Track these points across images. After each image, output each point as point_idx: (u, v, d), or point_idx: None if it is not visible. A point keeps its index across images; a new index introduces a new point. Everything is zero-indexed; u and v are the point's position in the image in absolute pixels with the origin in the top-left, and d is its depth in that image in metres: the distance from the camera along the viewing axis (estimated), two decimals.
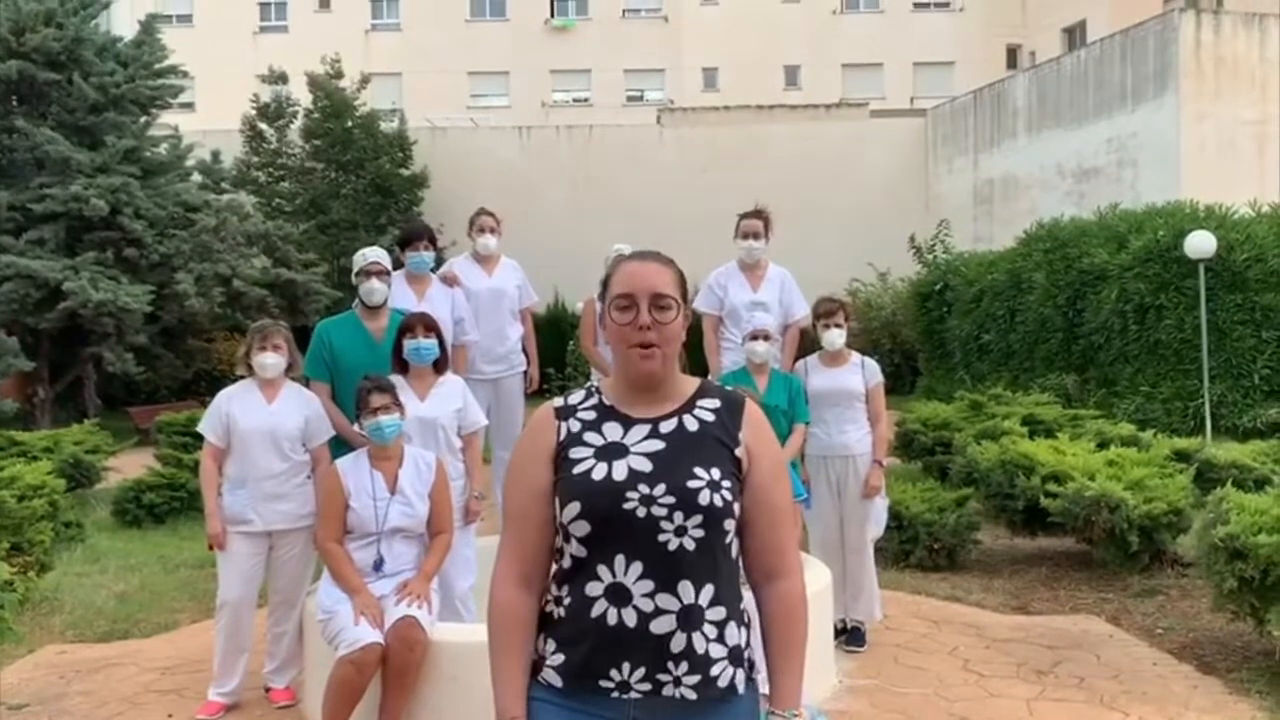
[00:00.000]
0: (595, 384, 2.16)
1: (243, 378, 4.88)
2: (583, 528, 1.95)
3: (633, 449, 2.00)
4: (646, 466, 1.96)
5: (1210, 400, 12.59)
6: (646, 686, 1.92)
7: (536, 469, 2.04)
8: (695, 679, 1.93)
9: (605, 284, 2.09)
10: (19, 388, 17.71)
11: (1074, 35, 30.43)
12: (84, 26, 17.66)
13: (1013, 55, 32.83)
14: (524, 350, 6.13)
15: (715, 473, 1.97)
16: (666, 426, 2.03)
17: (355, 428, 4.57)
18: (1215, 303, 13.12)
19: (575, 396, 2.14)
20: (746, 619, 2.05)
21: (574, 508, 1.95)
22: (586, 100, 33.05)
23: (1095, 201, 18.58)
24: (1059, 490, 6.71)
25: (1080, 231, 15.88)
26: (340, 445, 4.85)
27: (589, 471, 1.97)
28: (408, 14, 33.40)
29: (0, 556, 6.33)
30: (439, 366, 4.77)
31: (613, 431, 2.03)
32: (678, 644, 1.92)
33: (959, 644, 5.52)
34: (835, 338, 5.43)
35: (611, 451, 2.00)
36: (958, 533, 7.21)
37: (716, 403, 2.08)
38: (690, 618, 1.93)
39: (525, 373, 6.21)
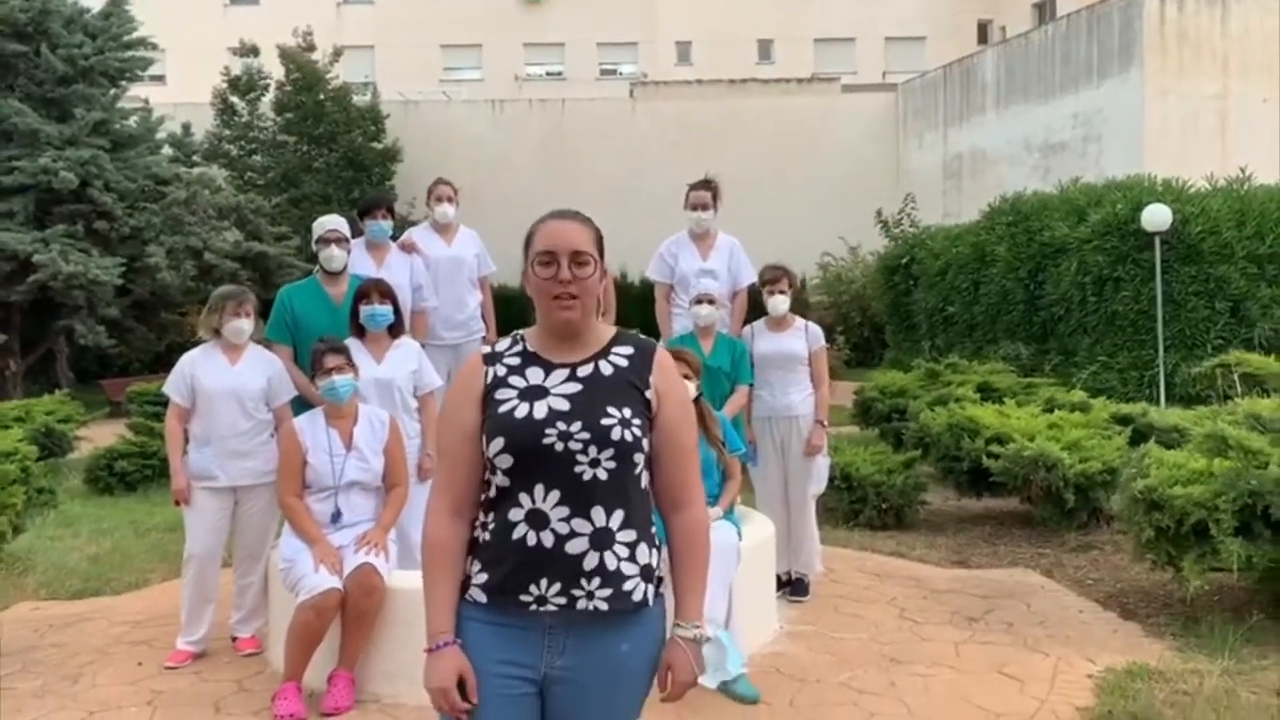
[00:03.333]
0: (520, 333, 2.36)
1: (204, 341, 5.06)
2: (506, 460, 2.16)
3: (553, 390, 2.22)
4: (565, 406, 2.19)
5: (1165, 369, 12.92)
6: (561, 600, 2.15)
7: (466, 410, 2.26)
8: (607, 592, 2.16)
9: (528, 242, 2.30)
10: None
11: (1043, 10, 30.66)
12: None
13: (983, 30, 33.03)
14: (483, 318, 6.33)
15: (626, 412, 2.19)
16: (584, 371, 2.25)
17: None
18: (1171, 275, 13.42)
19: (502, 344, 2.35)
20: (657, 542, 2.28)
21: (499, 443, 2.17)
22: (560, 74, 33.03)
23: (1061, 176, 18.78)
24: (1000, 451, 6.99)
25: (1042, 205, 16.11)
26: (302, 405, 5.04)
27: (512, 411, 2.19)
28: None
29: None
30: (394, 331, 4.98)
31: (535, 375, 2.25)
32: (590, 562, 2.15)
33: (897, 594, 5.80)
34: (779, 303, 5.66)
35: (533, 393, 2.21)
36: (905, 494, 7.49)
37: (630, 350, 2.30)
38: (602, 539, 2.16)
39: (484, 339, 6.40)
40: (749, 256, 6.18)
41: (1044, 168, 21.87)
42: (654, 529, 2.28)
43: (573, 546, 2.15)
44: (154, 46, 19.78)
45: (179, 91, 26.58)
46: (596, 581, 2.15)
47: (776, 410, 5.69)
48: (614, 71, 33.08)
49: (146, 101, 21.08)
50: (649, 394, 2.25)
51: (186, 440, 5.02)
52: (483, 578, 2.19)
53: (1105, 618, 5.39)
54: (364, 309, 4.88)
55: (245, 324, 4.91)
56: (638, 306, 9.13)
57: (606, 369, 2.26)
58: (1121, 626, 5.24)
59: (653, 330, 6.33)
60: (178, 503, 5.01)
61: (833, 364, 16.04)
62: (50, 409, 11.45)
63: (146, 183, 17.85)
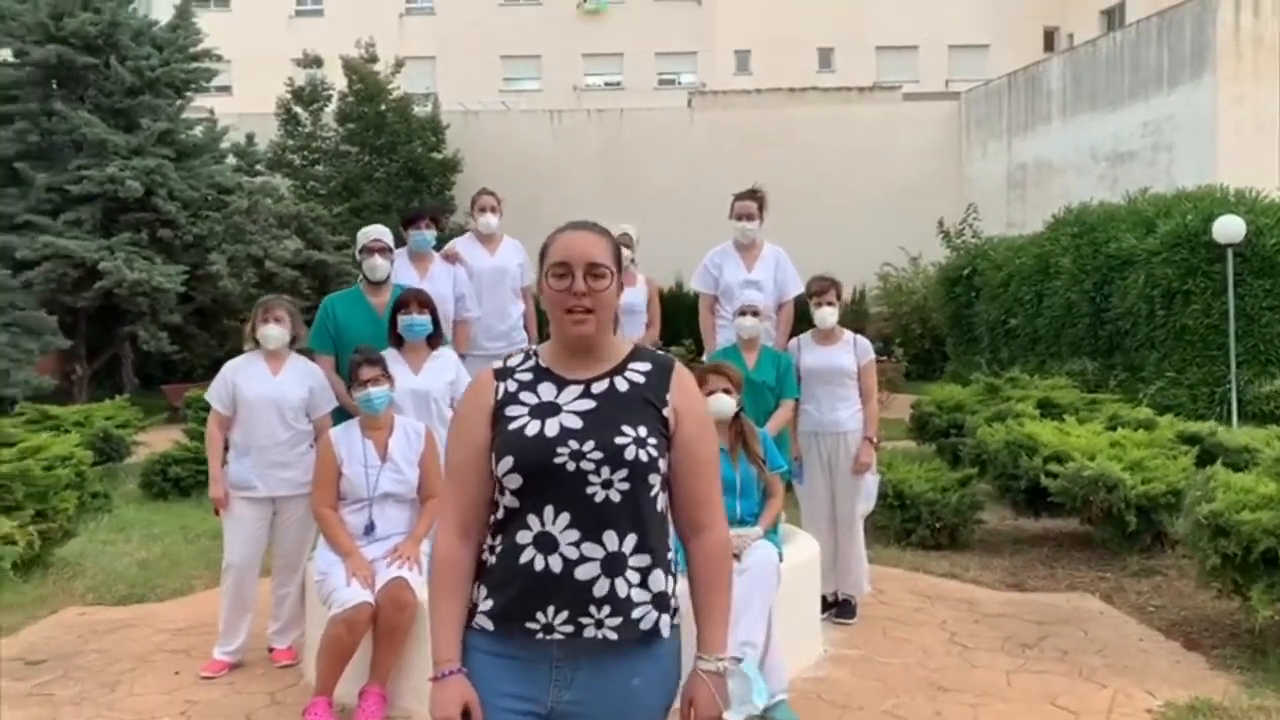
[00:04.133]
0: (534, 348, 2.27)
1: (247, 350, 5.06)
2: (515, 480, 2.07)
3: (565, 407, 2.11)
4: (577, 424, 2.08)
5: (1237, 386, 12.49)
6: (569, 629, 2.03)
7: (475, 426, 2.16)
8: (617, 621, 2.04)
9: (543, 253, 2.21)
10: (58, 365, 18.15)
11: (1113, 17, 30.00)
12: (120, 11, 17.98)
13: (1050, 37, 32.42)
14: (525, 328, 6.27)
15: (642, 430, 2.08)
16: (598, 387, 2.14)
17: None
18: (1243, 288, 12.99)
19: (514, 359, 2.26)
20: (674, 568, 2.17)
21: (508, 462, 2.07)
22: (618, 84, 33.07)
23: (1129, 186, 18.36)
24: (1059, 470, 6.75)
25: (1108, 216, 15.73)
26: (344, 416, 5.01)
27: (523, 428, 2.09)
28: None
29: (25, 522, 6.61)
30: (433, 341, 4.93)
31: (547, 391, 2.15)
32: (600, 589, 2.03)
33: (948, 618, 5.61)
34: (827, 315, 5.50)
35: (545, 410, 2.11)
36: (960, 512, 7.27)
37: (647, 365, 2.19)
38: (614, 564, 2.04)
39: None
40: (806, 267, 5.98)
41: (1111, 177, 21.37)
42: (671, 555, 2.16)
43: (582, 572, 2.04)
44: (219, 58, 20.17)
45: (245, 102, 27.05)
46: (606, 610, 2.04)
47: (824, 426, 5.54)
48: (672, 81, 33.04)
49: (212, 112, 21.50)
50: (666, 412, 2.14)
51: (227, 448, 5.01)
52: (489, 604, 2.09)
53: (1167, 648, 5.15)
54: (402, 319, 4.83)
55: (274, 330, 4.89)
56: (692, 317, 9.01)
57: (622, 385, 2.15)
58: (1185, 658, 5.00)
59: (702, 343, 6.22)
60: (217, 512, 5.01)
61: (891, 376, 15.89)
62: (110, 414, 11.66)
63: (209, 191, 18.16)
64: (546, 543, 2.05)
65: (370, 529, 4.40)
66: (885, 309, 23.68)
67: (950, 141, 26.69)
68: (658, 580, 2.09)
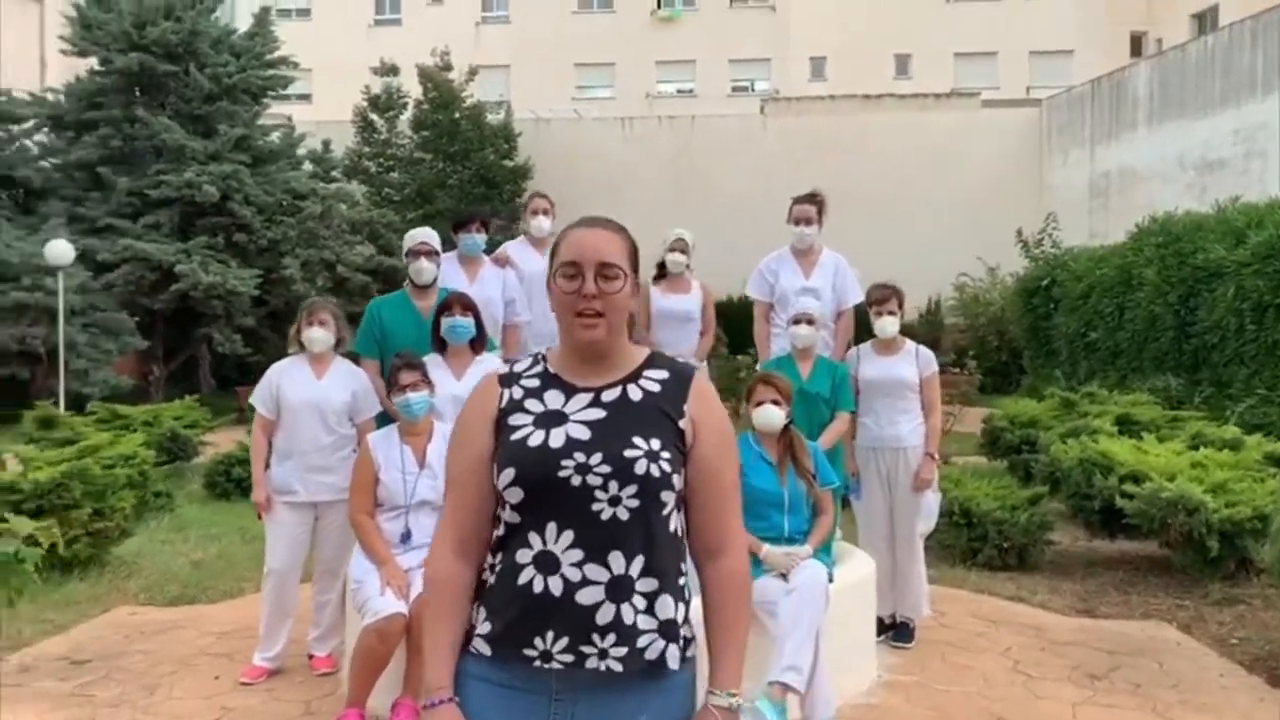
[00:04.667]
0: (543, 351, 2.12)
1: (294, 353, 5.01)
2: (516, 494, 1.92)
3: (572, 417, 1.96)
4: (584, 435, 1.93)
5: None
6: (569, 658, 1.87)
7: (477, 435, 2.02)
8: (622, 651, 1.87)
9: (553, 252, 2.06)
10: (137, 366, 18.59)
11: (1204, 20, 29.01)
12: (201, 19, 18.39)
13: (1137, 43, 31.47)
14: None
15: (655, 443, 1.92)
16: (609, 396, 1.99)
17: None
18: None
19: (521, 364, 2.11)
20: (687, 594, 2.00)
21: (509, 474, 1.92)
22: (691, 91, 32.93)
23: (1218, 195, 17.66)
24: (1136, 491, 6.41)
25: (1195, 226, 15.12)
26: (389, 421, 4.92)
27: (525, 438, 1.94)
28: (516, 6, 33.79)
29: (83, 521, 6.68)
30: (476, 346, 4.81)
31: (554, 399, 2.00)
32: (604, 615, 1.87)
33: (1013, 644, 5.33)
34: (888, 325, 5.28)
35: (550, 419, 1.96)
36: (1029, 532, 6.95)
37: (664, 374, 2.03)
38: (619, 589, 1.88)
39: None
40: (880, 277, 5.71)
41: (1200, 186, 20.62)
42: (683, 581, 1.99)
43: (585, 596, 1.87)
44: (295, 65, 20.52)
45: (325, 110, 27.53)
46: (611, 638, 1.87)
47: (883, 440, 5.31)
48: (746, 88, 32.81)
49: (290, 119, 21.88)
50: (683, 424, 1.97)
51: (271, 452, 4.97)
52: (486, 627, 1.94)
53: (1250, 683, 4.81)
54: (445, 321, 4.73)
55: (319, 333, 4.83)
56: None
57: (635, 394, 1.99)
58: (1269, 695, 4.66)
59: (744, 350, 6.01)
60: (259, 516, 4.96)
61: (965, 390, 15.45)
62: (178, 414, 11.84)
63: (284, 197, 18.48)
64: (547, 563, 1.89)
65: (407, 537, 4.30)
66: (961, 320, 23.16)
67: (1030, 149, 26.04)
68: (666, 606, 1.92)
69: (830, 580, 4.19)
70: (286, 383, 4.89)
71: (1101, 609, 6.07)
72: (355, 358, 5.18)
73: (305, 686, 4.76)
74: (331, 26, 32.88)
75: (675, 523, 1.96)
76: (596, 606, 1.87)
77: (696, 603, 2.01)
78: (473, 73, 24.84)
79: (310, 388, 4.87)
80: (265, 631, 4.91)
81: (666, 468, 1.91)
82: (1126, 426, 9.11)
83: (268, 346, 19.16)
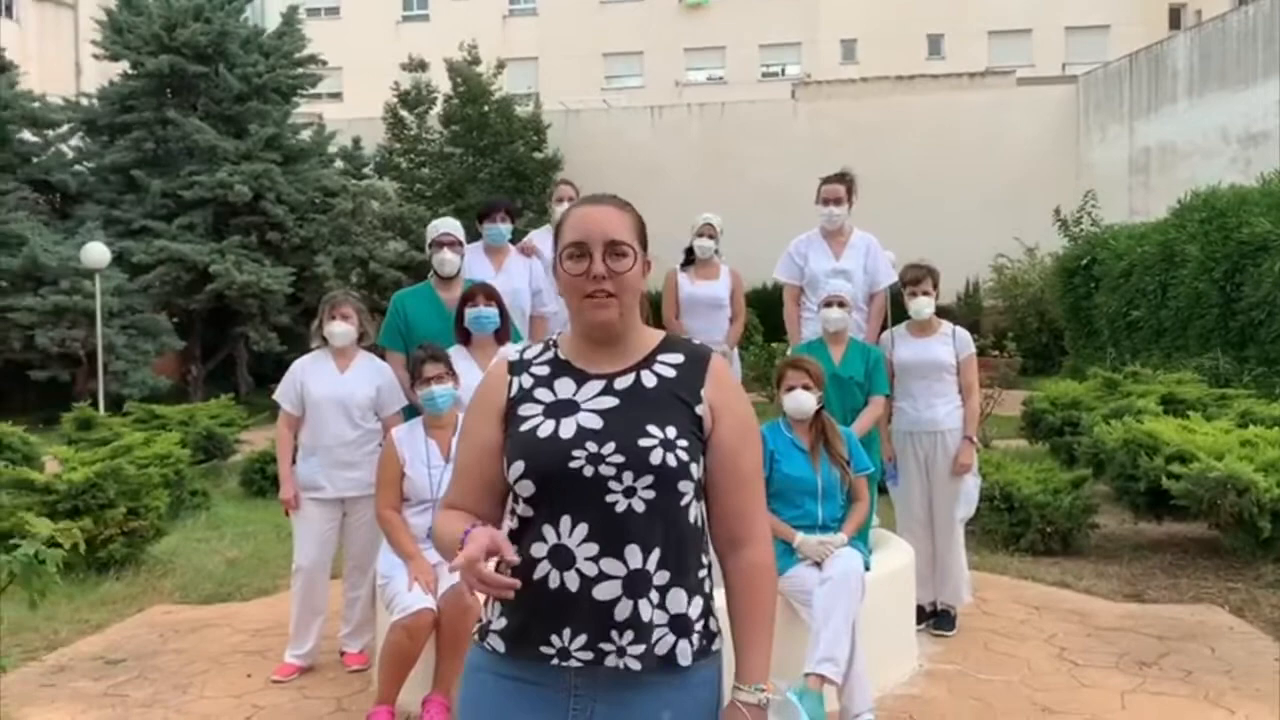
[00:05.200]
0: (554, 338, 2.04)
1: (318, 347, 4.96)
2: (528, 487, 1.84)
3: (584, 406, 1.87)
4: (597, 424, 1.84)
5: None
6: (588, 655, 1.79)
7: (484, 426, 1.95)
8: (640, 649, 1.79)
9: (557, 233, 1.98)
10: (176, 365, 18.78)
11: None
12: (230, 20, 18.47)
13: (1175, 15, 30.82)
14: None
15: (671, 431, 1.83)
16: (622, 383, 1.90)
17: None
18: None
19: (531, 351, 2.03)
20: (707, 588, 1.90)
21: (519, 466, 1.84)
22: (721, 78, 32.70)
23: (1263, 168, 17.24)
24: (1183, 471, 6.22)
25: (1240, 200, 14.76)
26: (414, 414, 4.86)
27: (535, 429, 1.86)
28: None
29: (118, 520, 6.70)
30: (501, 336, 4.73)
31: (564, 388, 1.91)
32: (622, 611, 1.78)
33: (1058, 631, 5.18)
34: (923, 306, 5.14)
35: (561, 408, 1.88)
36: (1073, 516, 6.79)
37: (679, 358, 1.94)
38: (636, 584, 1.79)
39: None
40: (916, 259, 5.58)
41: (1244, 159, 20.15)
42: (702, 573, 1.89)
43: (602, 591, 1.79)
44: (324, 63, 20.58)
45: (356, 108, 27.61)
46: (629, 635, 1.78)
47: (920, 424, 5.17)
48: (776, 73, 32.52)
49: (320, 117, 21.97)
50: (700, 410, 1.88)
51: (298, 449, 4.93)
52: (502, 622, 1.87)
53: None
54: (469, 312, 4.66)
55: (341, 327, 4.77)
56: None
57: (649, 380, 1.90)
58: None
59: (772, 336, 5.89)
60: (287, 513, 4.93)
61: (1005, 372, 15.22)
62: (215, 413, 11.90)
63: (316, 195, 18.55)
64: (562, 557, 1.81)
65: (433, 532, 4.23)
66: (1000, 302, 22.84)
67: (1067, 127, 25.61)
68: (677, 600, 1.82)
69: (867, 569, 4.08)
70: (310, 378, 4.85)
71: (1149, 593, 5.90)
72: (380, 352, 5.13)
73: (337, 683, 4.71)
74: (360, 24, 32.98)
75: (695, 513, 1.87)
76: (614, 602, 1.79)
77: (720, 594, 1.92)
78: (501, 66, 24.81)
79: (334, 382, 4.82)
80: (295, 629, 4.88)
81: (684, 456, 1.82)
82: (1172, 406, 8.89)
83: (303, 344, 19.23)
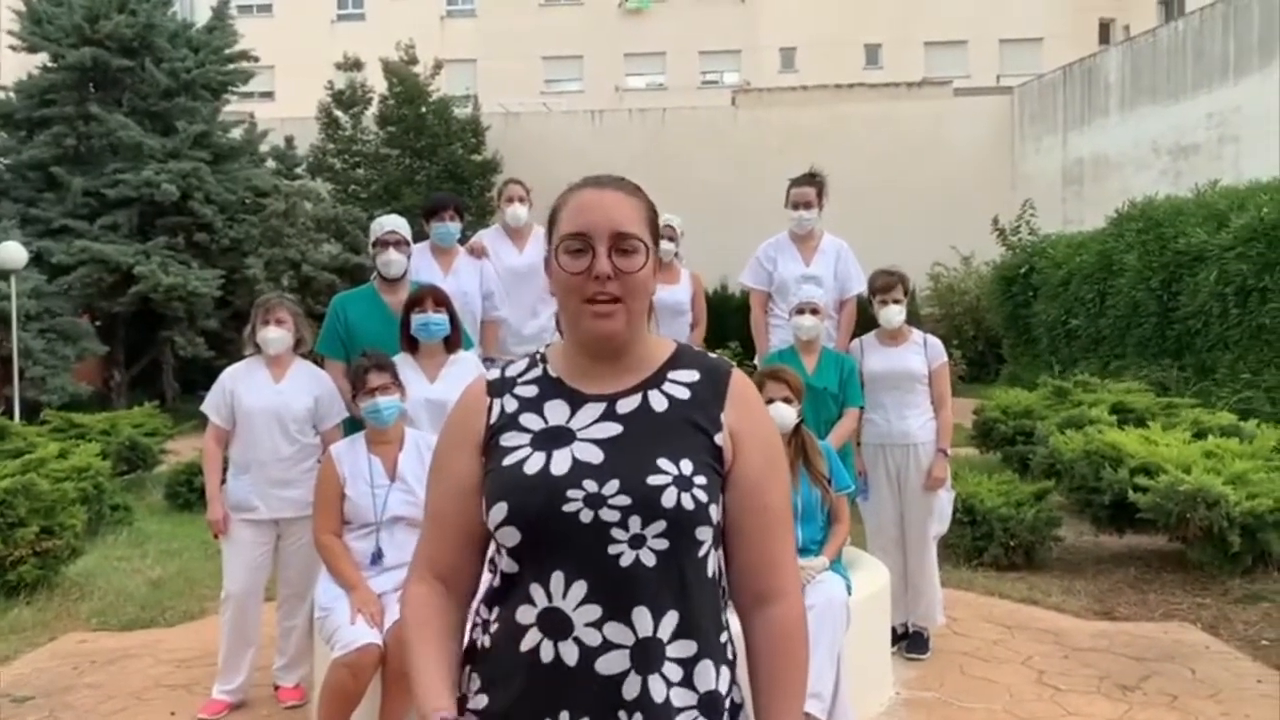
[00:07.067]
0: (542, 350, 1.72)
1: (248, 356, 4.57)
2: (511, 536, 1.50)
3: (580, 435, 1.55)
4: (596, 457, 1.51)
5: None
6: None
7: (458, 460, 1.62)
8: None
9: (552, 219, 1.65)
10: (98, 371, 17.97)
11: (1171, 6, 28.96)
12: (156, 13, 17.76)
13: (1105, 30, 31.39)
14: (558, 329, 5.72)
15: (686, 466, 1.50)
16: (626, 406, 1.57)
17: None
18: None
19: (515, 367, 1.70)
20: (731, 655, 1.59)
21: (500, 510, 1.50)
22: (661, 85, 32.50)
23: (1193, 180, 17.51)
24: (1150, 484, 6.09)
25: (1176, 210, 14.92)
26: (357, 428, 4.50)
27: (521, 464, 1.52)
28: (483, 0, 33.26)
29: (29, 540, 6.20)
30: (451, 344, 4.39)
31: (557, 413, 1.58)
32: (631, 689, 1.46)
33: (1034, 653, 4.99)
34: (893, 314, 4.92)
35: (552, 438, 1.55)
36: (1036, 529, 6.63)
37: (694, 375, 1.61)
38: (647, 655, 1.47)
39: None
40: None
41: (1174, 171, 20.51)
42: (725, 638, 1.57)
43: (606, 664, 1.46)
44: (255, 60, 19.89)
45: (288, 107, 26.84)
46: (639, 718, 1.46)
47: (891, 437, 4.95)
48: (716, 80, 32.41)
49: (251, 116, 21.27)
50: (720, 439, 1.56)
51: (227, 466, 4.54)
52: (482, 701, 1.54)
53: None
54: (416, 318, 4.30)
55: (275, 332, 4.40)
56: (740, 318, 8.50)
57: (659, 403, 1.57)
58: None
59: (752, 346, 5.66)
60: (215, 536, 4.53)
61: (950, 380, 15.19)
62: (139, 421, 11.31)
63: (247, 195, 17.90)
64: (556, 623, 1.47)
65: (378, 557, 3.87)
66: (936, 310, 22.96)
67: (1003, 137, 25.89)
68: (706, 676, 1.51)
69: (849, 593, 3.83)
70: (242, 388, 4.46)
71: (1119, 610, 5.76)
72: (318, 359, 4.76)
73: None
74: (293, 22, 32.14)
75: (713, 565, 1.55)
76: (621, 678, 1.46)
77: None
78: (438, 67, 24.32)
79: (268, 393, 4.44)
80: (225, 661, 4.48)
81: (702, 497, 1.50)
82: (1122, 415, 8.83)
83: (232, 349, 18.56)
